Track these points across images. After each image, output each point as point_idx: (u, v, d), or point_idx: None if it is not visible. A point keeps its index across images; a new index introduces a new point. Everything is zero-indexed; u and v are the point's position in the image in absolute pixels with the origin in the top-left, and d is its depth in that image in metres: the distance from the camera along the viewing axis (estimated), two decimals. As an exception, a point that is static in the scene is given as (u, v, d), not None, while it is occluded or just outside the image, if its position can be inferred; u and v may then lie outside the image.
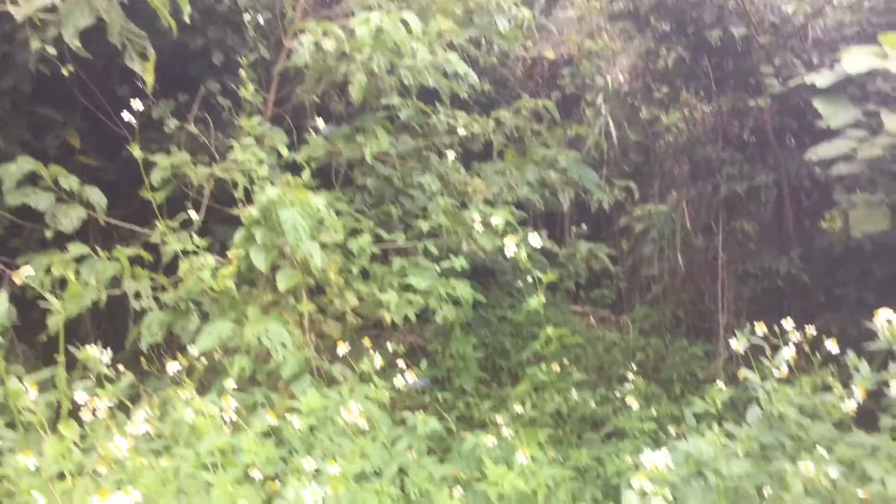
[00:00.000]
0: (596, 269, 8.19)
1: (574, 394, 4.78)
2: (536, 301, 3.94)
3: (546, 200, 6.94)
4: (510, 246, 3.92)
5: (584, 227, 8.17)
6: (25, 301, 4.91)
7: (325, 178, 6.79)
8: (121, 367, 3.86)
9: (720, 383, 3.74)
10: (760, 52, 5.78)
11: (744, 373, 3.23)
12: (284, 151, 5.91)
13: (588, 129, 7.69)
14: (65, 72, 4.85)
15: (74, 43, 4.06)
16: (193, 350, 4.13)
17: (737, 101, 5.96)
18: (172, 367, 3.44)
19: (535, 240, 3.94)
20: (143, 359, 3.87)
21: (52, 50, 4.48)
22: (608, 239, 8.68)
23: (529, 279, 4.13)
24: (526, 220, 7.80)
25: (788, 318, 3.27)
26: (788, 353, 3.13)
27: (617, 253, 8.48)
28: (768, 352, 3.24)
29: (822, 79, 4.70)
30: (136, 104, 4.49)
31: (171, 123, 5.77)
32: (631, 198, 8.02)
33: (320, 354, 5.07)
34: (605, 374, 6.43)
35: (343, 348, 4.22)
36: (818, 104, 4.68)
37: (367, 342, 4.52)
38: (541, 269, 7.54)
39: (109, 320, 6.04)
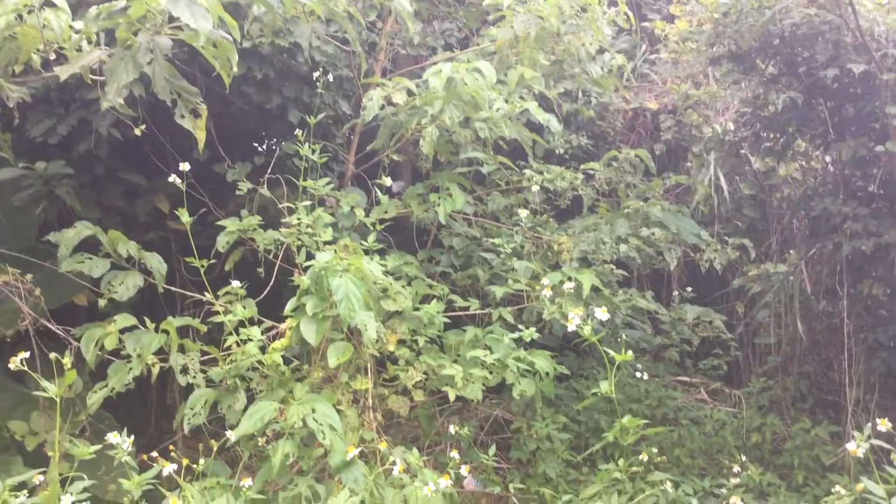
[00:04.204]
0: (707, 335, 7.49)
1: (669, 486, 4.16)
2: (607, 385, 3.37)
3: (649, 258, 6.35)
4: (574, 319, 3.37)
5: (689, 289, 7.45)
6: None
7: (408, 238, 6.47)
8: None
9: (840, 489, 3.04)
10: (885, 91, 5.05)
11: (864, 484, 2.57)
12: (360, 213, 5.62)
13: (688, 179, 7.07)
14: (137, 132, 4.71)
15: (117, 101, 3.86)
16: (231, 435, 3.77)
17: (859, 147, 5.23)
18: (167, 468, 3.05)
19: (602, 314, 3.39)
20: (171, 447, 3.53)
21: (124, 109, 4.27)
22: (721, 302, 7.94)
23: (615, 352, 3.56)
24: (629, 279, 7.21)
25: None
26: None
27: (731, 318, 7.72)
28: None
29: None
30: (184, 166, 4.26)
31: (244, 186, 5.59)
32: (746, 257, 7.30)
33: (383, 435, 4.64)
34: (714, 460, 5.68)
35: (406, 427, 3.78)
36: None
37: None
38: (641, 338, 7.03)
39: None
